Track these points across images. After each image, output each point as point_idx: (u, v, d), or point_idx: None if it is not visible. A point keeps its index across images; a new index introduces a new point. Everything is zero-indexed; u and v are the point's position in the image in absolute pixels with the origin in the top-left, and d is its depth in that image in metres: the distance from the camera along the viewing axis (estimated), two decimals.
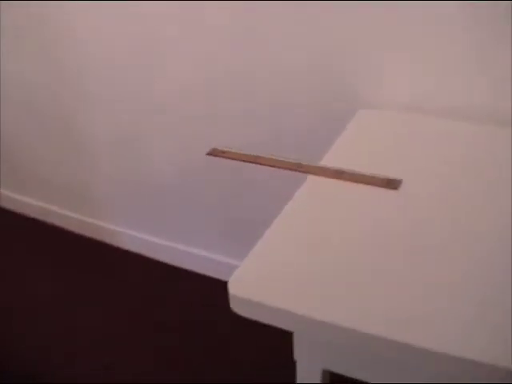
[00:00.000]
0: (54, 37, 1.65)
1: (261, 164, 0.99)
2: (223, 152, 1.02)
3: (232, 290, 0.68)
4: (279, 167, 0.97)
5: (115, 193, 1.88)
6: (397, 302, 0.64)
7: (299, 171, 0.95)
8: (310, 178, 0.92)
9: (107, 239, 2.01)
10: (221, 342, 1.56)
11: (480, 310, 0.62)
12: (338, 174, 0.92)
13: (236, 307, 0.69)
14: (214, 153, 1.03)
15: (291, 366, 0.77)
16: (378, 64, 1.18)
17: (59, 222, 2.13)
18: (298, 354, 0.75)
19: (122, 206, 1.90)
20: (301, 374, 0.76)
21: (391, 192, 0.87)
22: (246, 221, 1.59)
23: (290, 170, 0.97)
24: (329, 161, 0.97)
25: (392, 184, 0.89)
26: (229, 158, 1.00)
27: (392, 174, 0.91)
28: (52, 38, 1.66)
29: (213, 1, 1.28)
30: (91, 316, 1.68)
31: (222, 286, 1.72)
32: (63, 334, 1.62)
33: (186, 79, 1.45)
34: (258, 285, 0.68)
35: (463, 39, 1.07)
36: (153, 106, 1.57)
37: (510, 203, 0.82)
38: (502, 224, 0.77)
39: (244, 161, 0.99)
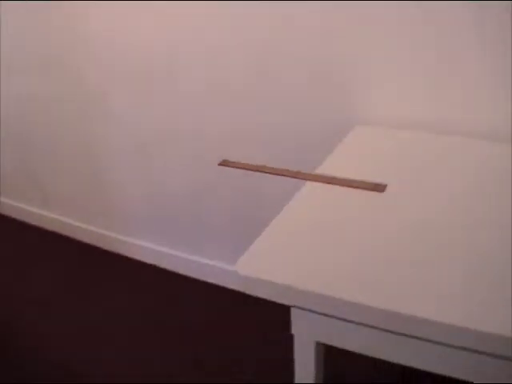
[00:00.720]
0: (78, 56, 1.83)
1: (266, 172, 1.13)
2: (233, 163, 1.16)
3: (239, 270, 0.81)
4: (282, 175, 1.11)
5: (132, 206, 2.03)
6: (385, 276, 0.77)
7: (298, 178, 1.09)
8: (308, 183, 1.06)
9: (123, 251, 2.16)
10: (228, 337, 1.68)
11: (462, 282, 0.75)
12: (332, 180, 1.06)
13: (243, 286, 0.82)
14: (225, 163, 1.18)
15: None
16: (376, 85, 1.33)
17: (78, 236, 2.28)
18: (295, 328, 0.87)
19: (139, 219, 2.04)
20: (297, 346, 0.89)
21: (377, 194, 1.01)
22: (254, 227, 1.73)
23: (291, 177, 1.11)
24: (324, 169, 1.11)
25: (378, 187, 1.02)
26: (238, 167, 1.14)
27: (379, 181, 1.05)
28: (76, 56, 1.84)
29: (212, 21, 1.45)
30: (114, 323, 1.81)
31: (227, 293, 1.87)
32: (91, 339, 1.75)
33: (197, 97, 1.61)
34: (261, 265, 0.82)
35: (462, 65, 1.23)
36: (166, 121, 1.73)
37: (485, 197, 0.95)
38: (479, 212, 0.91)
39: (252, 170, 1.13)
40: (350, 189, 1.03)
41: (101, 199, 2.12)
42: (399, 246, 0.84)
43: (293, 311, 0.86)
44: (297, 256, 0.84)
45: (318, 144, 1.38)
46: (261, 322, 1.76)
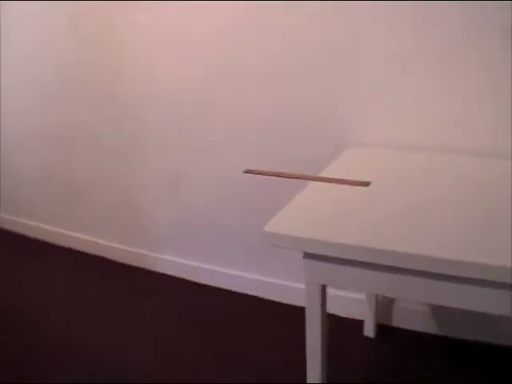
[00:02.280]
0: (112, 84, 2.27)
1: (284, 177, 1.52)
2: (256, 170, 1.56)
3: (268, 229, 1.19)
4: (295, 178, 1.50)
5: (160, 223, 2.41)
6: (372, 230, 1.15)
7: (307, 179, 1.48)
8: (312, 182, 1.46)
9: (152, 267, 2.51)
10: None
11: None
12: (330, 180, 1.45)
13: (269, 240, 1.19)
14: (249, 171, 1.57)
15: None
16: (366, 112, 1.76)
17: (106, 254, 2.64)
18: (307, 276, 1.23)
19: (164, 235, 2.41)
20: (308, 289, 1.25)
21: (363, 188, 1.40)
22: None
23: (302, 179, 1.50)
24: (323, 175, 1.51)
25: (364, 183, 1.42)
26: (262, 174, 1.53)
27: (366, 180, 1.45)
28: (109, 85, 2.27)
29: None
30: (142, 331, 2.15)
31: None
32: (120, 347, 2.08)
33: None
34: (283, 226, 1.20)
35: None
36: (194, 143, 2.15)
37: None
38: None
39: (273, 175, 1.52)
40: (343, 185, 1.42)
41: (132, 221, 2.50)
42: (383, 214, 1.23)
43: (304, 262, 1.23)
44: (308, 221, 1.22)
45: (317, 161, 1.76)
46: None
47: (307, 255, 1.20)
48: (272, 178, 1.67)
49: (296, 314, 2.00)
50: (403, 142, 1.74)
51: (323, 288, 1.25)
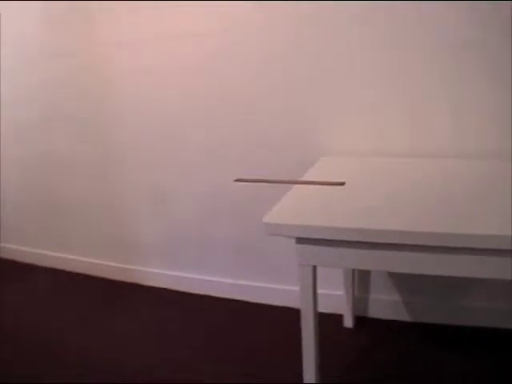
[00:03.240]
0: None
1: (271, 182, 1.76)
2: (245, 179, 1.79)
3: (266, 220, 1.42)
4: (280, 182, 1.74)
5: (148, 238, 2.60)
6: (353, 215, 1.39)
7: (291, 183, 1.72)
8: (296, 186, 1.70)
9: (142, 281, 2.68)
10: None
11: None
12: (310, 182, 1.70)
13: (267, 230, 1.42)
14: (240, 180, 1.80)
15: None
16: (337, 124, 2.03)
17: (102, 273, 2.79)
18: (299, 259, 1.46)
19: (155, 249, 2.60)
20: (301, 270, 1.47)
21: (339, 186, 1.65)
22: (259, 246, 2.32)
23: (286, 183, 1.74)
24: (304, 179, 1.76)
25: (340, 183, 1.67)
26: (251, 181, 1.76)
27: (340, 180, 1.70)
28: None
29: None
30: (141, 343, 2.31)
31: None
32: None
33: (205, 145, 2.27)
34: (278, 217, 1.43)
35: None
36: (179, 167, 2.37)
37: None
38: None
39: (261, 182, 1.76)
40: (322, 185, 1.67)
41: (120, 237, 2.68)
42: (358, 204, 1.48)
43: (296, 247, 1.45)
44: (297, 213, 1.46)
45: (295, 169, 1.99)
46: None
47: (299, 240, 1.43)
48: (259, 185, 1.91)
49: (286, 315, 2.21)
50: (372, 149, 2.01)
51: (314, 268, 1.48)
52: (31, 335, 2.30)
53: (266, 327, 2.23)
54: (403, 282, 2.14)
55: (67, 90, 2.58)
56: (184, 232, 2.49)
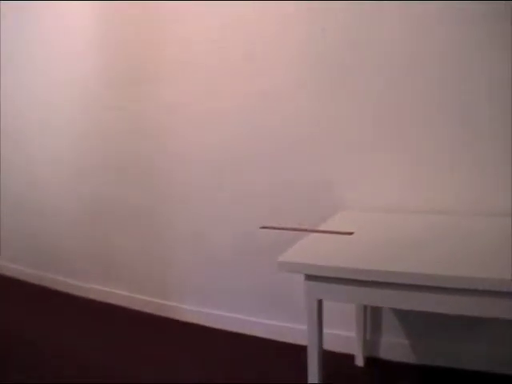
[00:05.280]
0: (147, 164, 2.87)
1: (290, 230, 2.05)
2: (271, 226, 2.09)
3: (281, 259, 1.71)
4: (298, 230, 2.03)
5: (185, 275, 2.91)
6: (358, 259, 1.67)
7: (307, 231, 2.02)
8: (312, 234, 1.99)
9: (178, 316, 2.98)
10: None
11: None
12: (323, 231, 1.99)
13: (280, 267, 1.71)
14: (265, 227, 2.10)
15: None
16: (356, 178, 2.33)
17: (134, 306, 3.11)
18: (306, 293, 1.72)
19: (191, 286, 2.91)
20: (308, 304, 1.73)
21: (348, 236, 1.93)
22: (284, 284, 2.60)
23: (304, 231, 2.03)
24: (321, 228, 2.05)
25: (348, 233, 1.95)
26: (274, 229, 2.06)
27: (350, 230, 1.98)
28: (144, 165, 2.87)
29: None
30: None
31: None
32: None
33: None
34: (291, 257, 1.72)
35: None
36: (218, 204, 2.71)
37: None
38: None
39: (285, 229, 2.05)
40: (334, 234, 1.96)
41: (158, 275, 3.01)
42: (363, 248, 1.75)
43: (305, 283, 1.73)
44: (308, 254, 1.74)
45: (315, 218, 2.28)
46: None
47: (307, 277, 1.71)
48: (282, 231, 2.21)
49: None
50: (385, 205, 2.30)
51: (319, 303, 1.75)
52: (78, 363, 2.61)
53: (294, 366, 2.42)
54: (414, 326, 2.35)
55: (119, 142, 3.04)
56: (217, 273, 2.80)
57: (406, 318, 2.34)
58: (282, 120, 2.48)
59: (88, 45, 3.06)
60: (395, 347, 2.38)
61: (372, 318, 2.43)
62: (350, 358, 2.41)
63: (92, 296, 3.33)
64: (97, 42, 3.03)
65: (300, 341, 2.55)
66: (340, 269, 1.63)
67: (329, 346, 2.17)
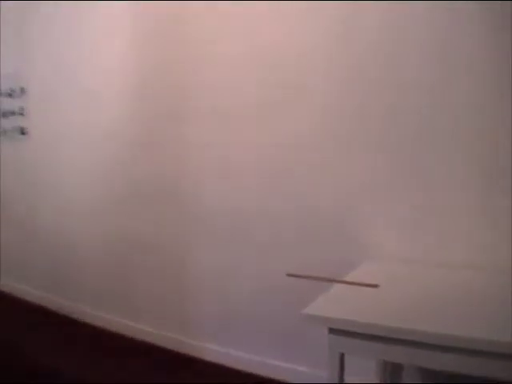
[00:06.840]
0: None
1: (316, 279, 2.07)
2: (297, 274, 2.11)
3: (304, 311, 1.73)
4: (324, 280, 2.05)
5: (207, 316, 2.94)
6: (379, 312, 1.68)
7: (333, 282, 2.04)
8: (338, 284, 2.01)
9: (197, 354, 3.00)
10: None
11: None
12: (349, 282, 2.01)
13: (305, 320, 1.73)
14: (291, 274, 2.13)
15: None
16: (382, 228, 2.35)
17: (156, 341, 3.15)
18: (329, 346, 1.74)
19: (213, 326, 2.93)
20: (329, 355, 1.74)
21: (374, 288, 1.95)
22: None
23: (329, 281, 2.05)
24: (347, 279, 2.07)
25: (374, 285, 1.97)
26: (300, 277, 2.08)
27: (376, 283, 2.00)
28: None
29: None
30: None
31: None
32: None
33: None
34: (315, 310, 1.74)
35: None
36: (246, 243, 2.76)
37: None
38: None
39: (310, 278, 2.07)
40: (359, 286, 1.98)
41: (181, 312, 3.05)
42: (385, 305, 1.77)
43: (328, 336, 1.75)
44: (332, 308, 1.76)
45: (341, 266, 2.31)
46: None
47: (331, 330, 1.72)
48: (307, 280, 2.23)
49: None
50: (410, 256, 2.31)
51: (342, 356, 1.76)
52: None
53: None
54: (435, 376, 2.32)
55: (147, 177, 3.16)
56: (239, 314, 2.82)
57: (427, 371, 2.32)
58: (309, 168, 2.55)
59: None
60: None
61: (392, 368, 2.41)
62: None
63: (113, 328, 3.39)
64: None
65: None
66: (364, 324, 1.65)
67: None
